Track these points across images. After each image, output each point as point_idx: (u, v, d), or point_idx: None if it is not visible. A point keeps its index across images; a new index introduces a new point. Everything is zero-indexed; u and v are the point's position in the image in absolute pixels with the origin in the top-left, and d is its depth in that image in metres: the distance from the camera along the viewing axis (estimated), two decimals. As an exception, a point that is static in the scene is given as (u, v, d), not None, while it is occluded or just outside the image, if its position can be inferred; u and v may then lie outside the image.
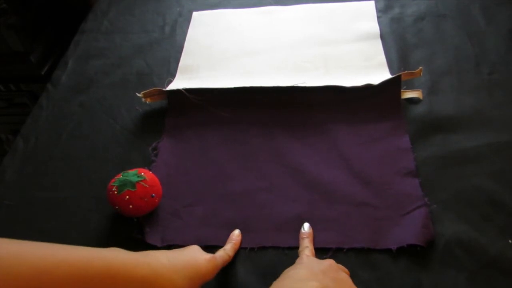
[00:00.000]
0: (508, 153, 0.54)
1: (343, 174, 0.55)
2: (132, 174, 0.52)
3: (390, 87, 0.61)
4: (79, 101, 0.70)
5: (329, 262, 0.41)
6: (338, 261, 0.43)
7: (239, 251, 0.49)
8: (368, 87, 0.61)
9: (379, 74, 0.66)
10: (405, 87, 0.63)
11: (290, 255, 0.48)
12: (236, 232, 0.50)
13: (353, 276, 0.42)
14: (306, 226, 0.50)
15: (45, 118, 0.68)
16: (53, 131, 0.66)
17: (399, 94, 0.61)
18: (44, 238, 0.35)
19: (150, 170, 0.56)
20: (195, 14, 0.84)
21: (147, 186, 0.51)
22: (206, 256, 0.43)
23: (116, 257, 0.37)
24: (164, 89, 0.65)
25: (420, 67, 0.62)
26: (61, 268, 0.33)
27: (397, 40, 0.72)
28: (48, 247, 0.35)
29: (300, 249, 0.47)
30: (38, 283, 0.31)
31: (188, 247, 0.45)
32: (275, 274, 0.40)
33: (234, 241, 0.49)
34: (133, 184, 0.50)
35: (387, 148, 0.57)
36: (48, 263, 0.33)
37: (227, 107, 0.64)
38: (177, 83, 0.69)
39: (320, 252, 0.47)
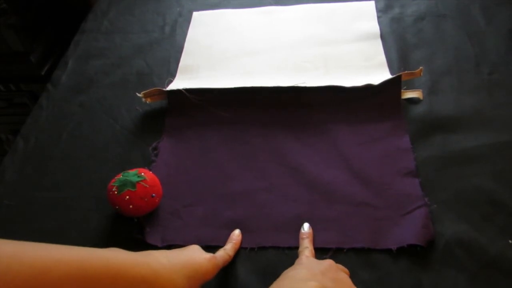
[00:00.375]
0: (508, 153, 0.54)
1: (343, 174, 0.55)
2: (132, 174, 0.52)
3: (390, 87, 0.61)
4: (79, 101, 0.70)
5: (329, 263, 0.41)
6: (338, 261, 0.43)
7: (239, 251, 0.49)
8: (368, 87, 0.61)
9: (379, 74, 0.66)
10: (405, 87, 0.63)
11: (290, 255, 0.48)
12: (236, 232, 0.50)
13: (353, 276, 0.42)
14: (306, 226, 0.50)
15: (45, 118, 0.68)
16: (53, 131, 0.66)
17: (399, 94, 0.61)
18: (44, 238, 0.35)
19: (150, 170, 0.56)
20: (195, 14, 0.84)
21: (147, 186, 0.51)
22: (206, 255, 0.43)
23: (115, 257, 0.37)
24: (164, 89, 0.65)
25: (420, 67, 0.62)
26: (59, 268, 0.33)
27: (397, 40, 0.72)
28: (46, 247, 0.34)
29: (300, 249, 0.47)
30: (36, 283, 0.31)
31: (188, 246, 0.45)
32: (275, 274, 0.40)
33: (234, 241, 0.49)
34: (133, 184, 0.50)
35: (387, 148, 0.57)
36: (46, 263, 0.32)
37: (227, 107, 0.64)
38: (177, 83, 0.69)
39: (320, 252, 0.47)
